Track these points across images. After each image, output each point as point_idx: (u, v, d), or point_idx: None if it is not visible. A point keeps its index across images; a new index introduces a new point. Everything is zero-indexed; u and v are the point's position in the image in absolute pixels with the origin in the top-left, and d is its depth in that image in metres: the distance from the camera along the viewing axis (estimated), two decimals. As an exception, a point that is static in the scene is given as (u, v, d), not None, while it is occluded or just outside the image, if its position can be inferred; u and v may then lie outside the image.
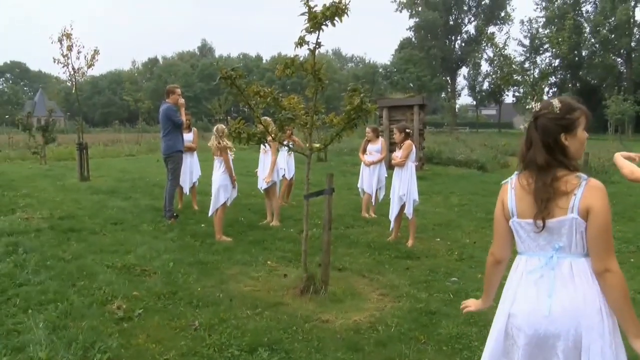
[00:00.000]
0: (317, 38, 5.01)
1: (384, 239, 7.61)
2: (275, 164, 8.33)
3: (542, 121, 2.24)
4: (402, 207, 7.46)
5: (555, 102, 2.26)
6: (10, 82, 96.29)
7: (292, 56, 5.22)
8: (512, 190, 2.32)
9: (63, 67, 13.91)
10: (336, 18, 4.85)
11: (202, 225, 8.08)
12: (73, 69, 13.94)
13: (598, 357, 2.14)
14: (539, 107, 2.31)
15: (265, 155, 8.59)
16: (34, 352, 3.79)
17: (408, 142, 7.46)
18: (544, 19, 62.12)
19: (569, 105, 2.25)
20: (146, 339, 4.15)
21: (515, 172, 2.37)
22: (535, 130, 2.26)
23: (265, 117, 6.05)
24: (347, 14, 4.84)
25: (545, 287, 2.23)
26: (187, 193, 9.63)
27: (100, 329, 4.26)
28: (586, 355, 2.15)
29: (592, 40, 61.87)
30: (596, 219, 2.13)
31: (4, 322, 4.33)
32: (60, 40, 13.44)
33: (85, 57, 13.86)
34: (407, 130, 7.66)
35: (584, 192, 2.14)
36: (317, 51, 5.10)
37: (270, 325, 4.43)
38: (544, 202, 2.18)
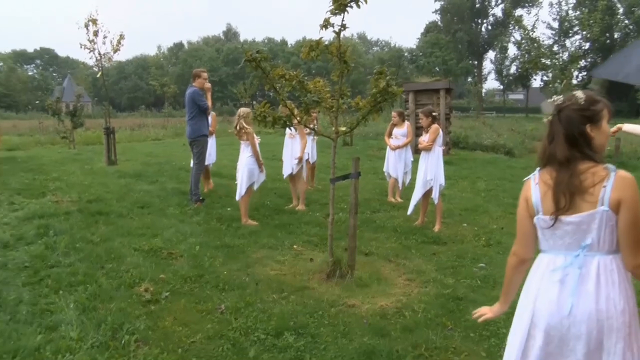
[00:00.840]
0: (342, 20, 4.94)
1: (411, 224, 7.55)
2: (305, 147, 8.32)
3: (567, 113, 2.18)
4: (427, 192, 7.39)
5: (579, 94, 2.20)
6: (40, 68, 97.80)
7: (317, 39, 5.16)
8: (537, 186, 2.24)
9: (89, 52, 14.04)
10: (361, -1, 4.77)
11: (228, 209, 8.11)
12: (99, 54, 14.07)
13: (618, 357, 2.08)
14: (561, 100, 2.23)
15: (292, 140, 8.55)
16: (66, 332, 3.87)
17: (435, 126, 7.36)
18: (574, 1, 60.52)
19: (592, 97, 2.20)
20: (173, 321, 4.19)
21: (537, 169, 2.29)
22: (559, 123, 2.19)
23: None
24: (372, -5, 4.76)
25: (568, 286, 2.16)
26: None
27: (128, 310, 4.32)
28: (607, 355, 2.09)
29: (626, 21, 60.06)
30: (629, 210, 2.05)
31: (38, 302, 4.43)
32: (86, 26, 13.55)
33: (111, 42, 13.97)
34: (434, 114, 7.55)
35: (614, 183, 2.06)
36: (342, 34, 5.03)
37: (296, 310, 4.43)
38: (567, 197, 2.10)
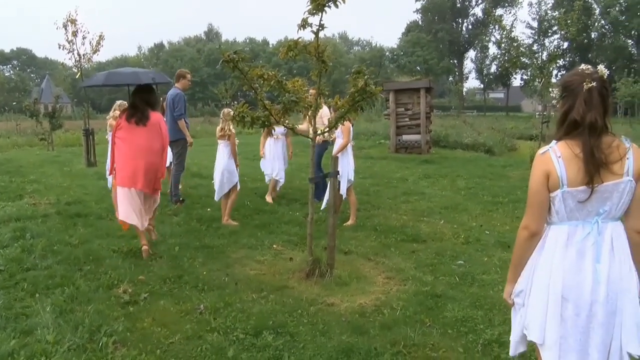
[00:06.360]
0: (320, 20, 4.95)
1: (390, 223, 7.59)
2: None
3: (600, 84, 2.24)
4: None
5: (603, 69, 2.28)
6: (17, 69, 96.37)
7: (295, 39, 5.16)
8: (560, 160, 2.26)
9: (68, 53, 13.95)
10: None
11: (208, 209, 8.08)
12: (78, 54, 13.96)
13: (631, 318, 2.24)
14: (590, 70, 2.27)
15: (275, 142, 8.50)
16: (42, 335, 3.83)
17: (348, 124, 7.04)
18: (552, 1, 61.27)
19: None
20: (152, 322, 4.18)
21: (554, 141, 2.33)
22: (597, 93, 2.23)
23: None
24: (349, -5, 4.78)
25: (591, 254, 2.26)
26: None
27: (106, 312, 4.29)
28: (620, 317, 2.23)
29: (602, 21, 61.00)
30: None
31: (12, 306, 4.38)
32: (65, 26, 13.45)
33: (90, 42, 13.89)
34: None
35: (634, 155, 2.21)
36: (321, 34, 5.04)
37: (275, 309, 4.44)
38: (597, 168, 2.19)
